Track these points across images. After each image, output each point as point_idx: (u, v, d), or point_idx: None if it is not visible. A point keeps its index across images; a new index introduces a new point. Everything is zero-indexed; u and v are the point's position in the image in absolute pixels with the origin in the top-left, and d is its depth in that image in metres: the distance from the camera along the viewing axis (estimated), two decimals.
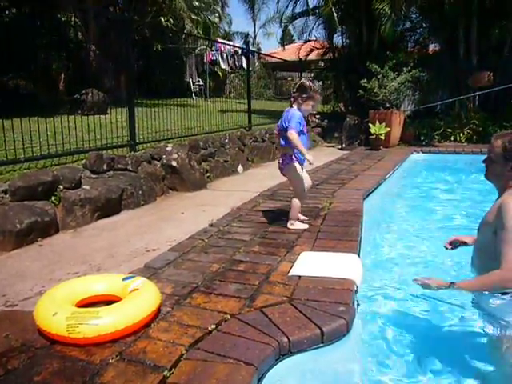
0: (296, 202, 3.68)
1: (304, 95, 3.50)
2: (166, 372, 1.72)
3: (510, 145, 2.27)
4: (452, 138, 11.17)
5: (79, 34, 12.70)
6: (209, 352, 1.86)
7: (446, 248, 2.94)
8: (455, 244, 2.91)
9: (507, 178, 2.32)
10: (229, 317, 2.15)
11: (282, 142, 3.58)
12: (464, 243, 2.89)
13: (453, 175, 8.26)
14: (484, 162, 2.45)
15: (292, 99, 3.61)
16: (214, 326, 2.06)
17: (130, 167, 4.88)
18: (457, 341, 2.73)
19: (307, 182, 3.79)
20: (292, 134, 3.40)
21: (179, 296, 2.39)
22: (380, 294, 3.15)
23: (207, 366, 1.76)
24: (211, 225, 3.79)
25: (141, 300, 2.10)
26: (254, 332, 2.01)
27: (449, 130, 11.23)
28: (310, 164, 3.51)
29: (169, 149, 5.51)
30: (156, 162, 5.35)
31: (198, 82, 16.88)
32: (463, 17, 11.22)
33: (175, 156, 5.45)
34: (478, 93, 11.54)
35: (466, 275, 3.16)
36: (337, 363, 2.13)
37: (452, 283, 2.33)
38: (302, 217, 3.88)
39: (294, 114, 3.49)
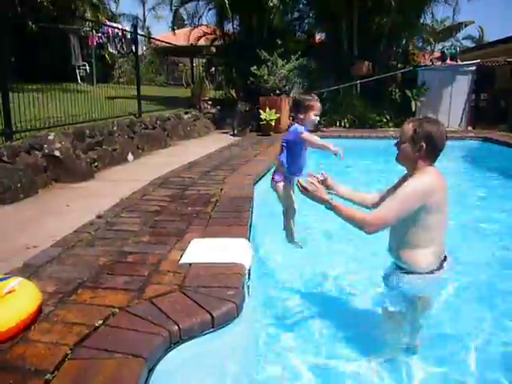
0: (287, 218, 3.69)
1: (301, 110, 3.41)
2: (48, 375, 1.62)
3: (419, 128, 2.35)
4: (337, 123, 11.90)
5: None
6: (95, 349, 1.79)
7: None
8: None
9: (414, 160, 2.39)
10: (117, 310, 2.09)
11: (279, 156, 3.57)
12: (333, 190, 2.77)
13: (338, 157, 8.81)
14: (396, 145, 2.51)
15: (293, 119, 3.54)
16: (101, 322, 1.98)
17: (5, 158, 4.46)
18: (349, 311, 2.95)
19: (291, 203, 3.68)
20: (305, 135, 3.40)
21: (63, 293, 2.26)
22: (272, 275, 3.29)
23: (93, 364, 1.70)
24: (99, 216, 3.62)
25: (17, 302, 1.95)
26: (143, 324, 1.97)
27: (334, 115, 11.93)
28: (336, 154, 3.31)
29: (51, 137, 5.14)
30: (37, 151, 4.96)
31: (84, 66, 15.87)
32: (346, 11, 11.90)
33: (58, 145, 5.10)
34: (359, 81, 12.37)
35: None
36: (229, 345, 2.19)
37: (331, 201, 2.35)
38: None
39: (295, 128, 3.46)
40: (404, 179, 2.47)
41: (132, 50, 15.52)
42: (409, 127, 2.41)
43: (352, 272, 3.43)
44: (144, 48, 17.87)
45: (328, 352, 2.49)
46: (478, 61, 12.95)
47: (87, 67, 15.68)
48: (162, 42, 14.48)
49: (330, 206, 2.35)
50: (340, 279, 3.31)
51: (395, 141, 2.50)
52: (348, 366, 2.39)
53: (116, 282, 2.40)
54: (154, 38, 17.15)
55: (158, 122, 8.29)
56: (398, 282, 2.44)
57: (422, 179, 2.31)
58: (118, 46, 17.10)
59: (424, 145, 2.34)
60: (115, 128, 6.66)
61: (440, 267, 2.41)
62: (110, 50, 17.14)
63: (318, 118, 3.51)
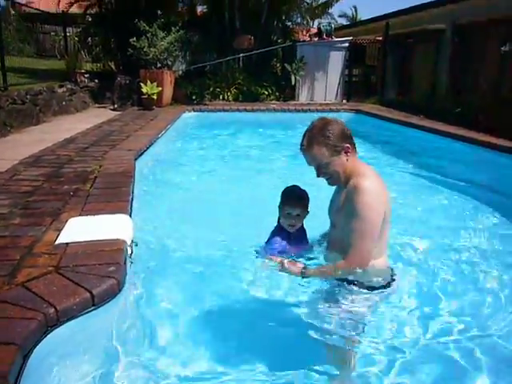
0: None
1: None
2: None
3: (329, 137, 2.06)
4: (221, 97, 11.98)
5: None
6: None
7: None
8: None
9: (349, 166, 2.10)
10: None
11: None
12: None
13: (221, 130, 9.05)
14: (319, 175, 2.18)
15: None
16: None
17: None
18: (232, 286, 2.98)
19: None
20: None
21: None
22: (155, 249, 3.26)
23: None
24: None
25: None
26: (15, 310, 1.85)
27: (218, 89, 11.99)
28: None
29: None
30: None
31: None
32: None
33: None
34: (241, 55, 12.52)
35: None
36: (112, 322, 2.16)
37: (304, 269, 2.15)
38: None
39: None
40: (345, 194, 2.13)
41: None
42: (320, 148, 2.08)
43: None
44: (11, 13, 16.12)
45: (215, 320, 2.54)
46: (351, 38, 13.78)
47: None
48: (28, 6, 13.18)
49: (304, 275, 2.15)
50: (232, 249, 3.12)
51: (316, 173, 2.19)
52: (230, 336, 2.44)
53: None
54: (18, 3, 15.52)
55: (28, 97, 7.59)
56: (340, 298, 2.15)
57: (369, 191, 1.99)
58: None
59: (346, 144, 2.09)
60: None
61: (390, 282, 2.19)
62: None
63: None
